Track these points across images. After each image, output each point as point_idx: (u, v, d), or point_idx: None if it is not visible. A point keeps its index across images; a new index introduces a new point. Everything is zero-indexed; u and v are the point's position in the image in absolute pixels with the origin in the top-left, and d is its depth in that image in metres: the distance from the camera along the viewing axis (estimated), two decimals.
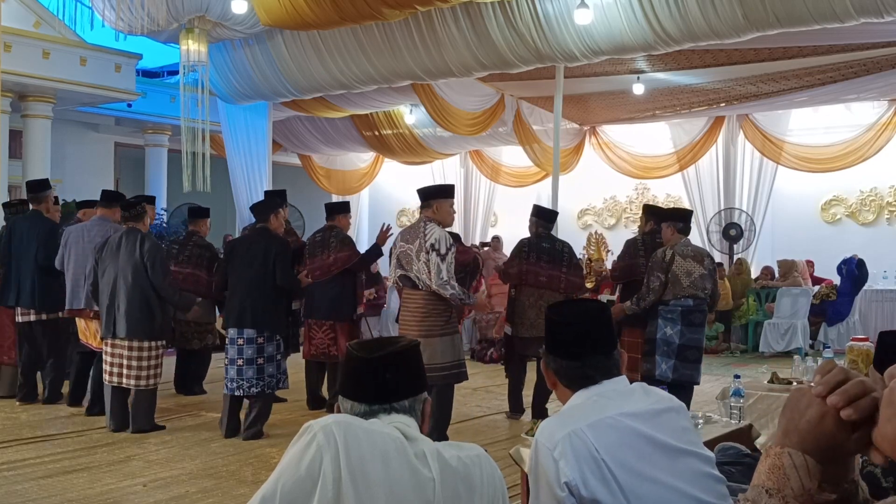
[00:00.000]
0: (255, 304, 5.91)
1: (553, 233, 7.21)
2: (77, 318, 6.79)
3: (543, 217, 6.99)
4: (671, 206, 11.62)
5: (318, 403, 7.22)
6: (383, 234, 7.18)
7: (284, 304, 6.23)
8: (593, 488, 1.88)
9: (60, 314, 7.03)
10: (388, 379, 1.78)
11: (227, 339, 6.05)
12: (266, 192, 8.50)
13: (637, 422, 1.97)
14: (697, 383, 6.21)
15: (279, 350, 6.05)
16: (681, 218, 6.41)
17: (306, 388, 7.30)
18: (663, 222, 6.41)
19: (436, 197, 5.62)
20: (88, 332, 6.69)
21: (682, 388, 5.91)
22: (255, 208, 6.43)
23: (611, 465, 1.89)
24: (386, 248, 6.71)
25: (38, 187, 7.50)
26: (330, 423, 1.63)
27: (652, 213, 7.02)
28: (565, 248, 6.82)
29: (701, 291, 6.10)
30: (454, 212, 5.91)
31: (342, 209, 7.59)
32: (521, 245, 6.86)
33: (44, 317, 7.12)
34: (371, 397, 1.78)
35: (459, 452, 1.75)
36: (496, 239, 13.14)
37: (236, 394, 5.93)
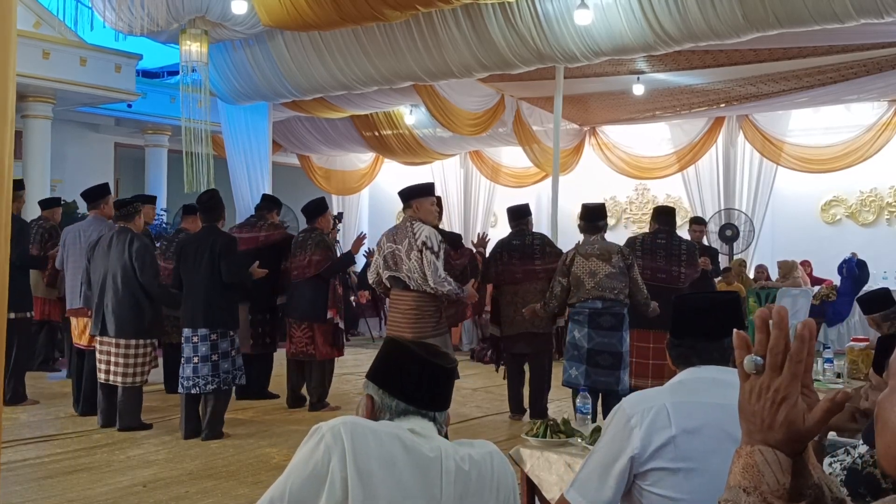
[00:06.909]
0: (207, 303, 5.96)
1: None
2: (73, 318, 6.89)
3: (511, 216, 7.08)
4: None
5: (297, 402, 7.23)
6: (358, 243, 7.30)
7: (237, 301, 6.28)
8: (653, 463, 1.93)
9: (28, 314, 7.08)
10: (439, 391, 1.80)
11: (182, 339, 6.10)
12: (264, 195, 8.58)
13: (726, 415, 1.83)
14: (624, 390, 5.66)
15: (234, 346, 6.06)
16: (586, 216, 6.20)
17: (287, 388, 7.31)
18: None
19: (415, 197, 5.66)
20: (77, 330, 6.82)
21: (614, 396, 5.52)
22: (202, 210, 6.41)
23: (682, 448, 1.91)
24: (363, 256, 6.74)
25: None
26: (338, 425, 1.66)
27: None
28: (535, 241, 6.85)
29: (609, 292, 5.81)
30: (437, 210, 5.92)
31: (319, 211, 7.35)
32: (495, 247, 6.96)
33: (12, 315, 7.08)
34: (420, 402, 1.78)
35: (471, 450, 1.77)
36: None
37: (192, 392, 5.94)
